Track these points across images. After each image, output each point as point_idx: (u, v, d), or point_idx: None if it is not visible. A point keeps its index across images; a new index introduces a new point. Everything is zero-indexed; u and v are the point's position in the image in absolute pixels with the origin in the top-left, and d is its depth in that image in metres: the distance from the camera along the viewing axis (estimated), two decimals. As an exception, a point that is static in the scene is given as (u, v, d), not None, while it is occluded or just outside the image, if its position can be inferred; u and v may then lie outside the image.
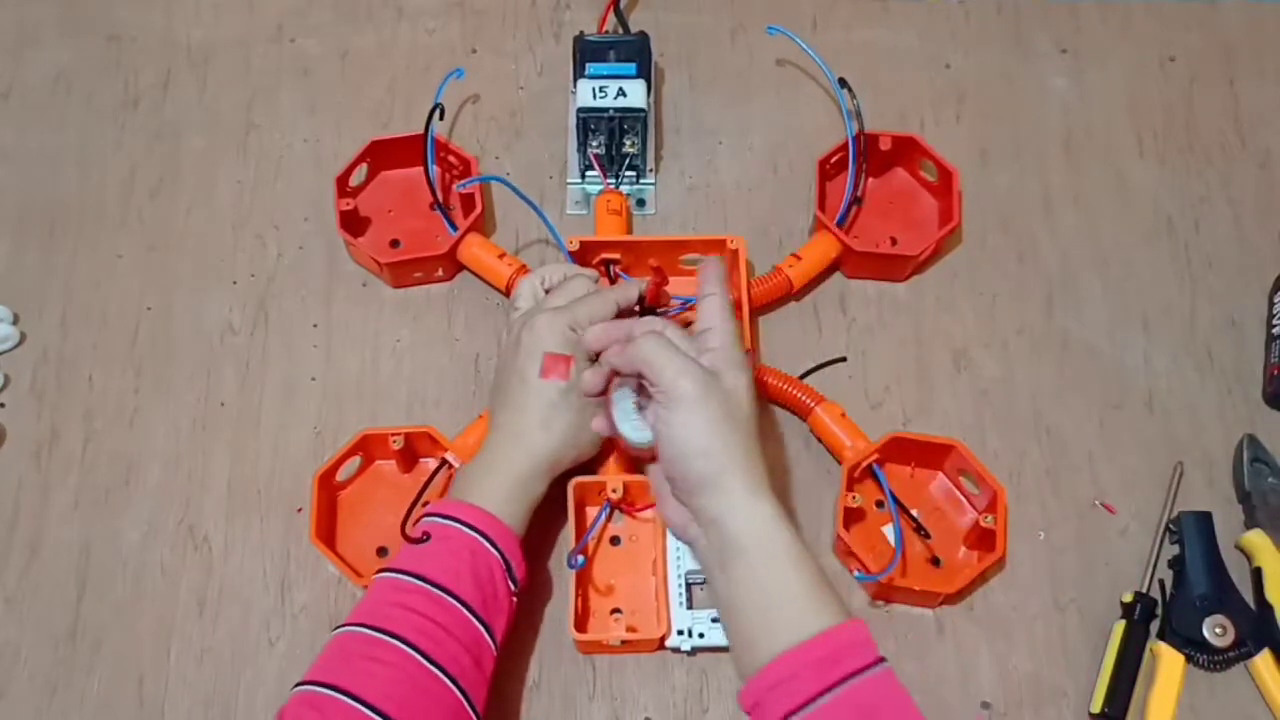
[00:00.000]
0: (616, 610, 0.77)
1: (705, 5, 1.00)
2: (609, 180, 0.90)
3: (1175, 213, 0.92)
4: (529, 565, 0.73)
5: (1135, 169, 0.94)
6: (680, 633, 0.75)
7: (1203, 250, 0.91)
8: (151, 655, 0.77)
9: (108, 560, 0.80)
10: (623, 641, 0.75)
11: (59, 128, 0.95)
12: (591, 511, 0.79)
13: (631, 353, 0.68)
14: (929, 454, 0.81)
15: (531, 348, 0.74)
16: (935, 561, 0.79)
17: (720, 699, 0.76)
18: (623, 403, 0.71)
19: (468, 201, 0.88)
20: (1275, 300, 0.87)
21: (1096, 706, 0.75)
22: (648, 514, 0.79)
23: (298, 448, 0.83)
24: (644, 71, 0.88)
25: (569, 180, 0.92)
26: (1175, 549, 0.79)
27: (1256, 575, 0.78)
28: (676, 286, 0.84)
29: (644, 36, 0.90)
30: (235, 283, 0.89)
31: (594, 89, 0.87)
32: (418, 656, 0.65)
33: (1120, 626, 0.77)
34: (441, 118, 0.89)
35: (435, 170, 0.88)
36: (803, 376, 0.84)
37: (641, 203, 0.92)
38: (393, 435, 0.79)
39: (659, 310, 0.80)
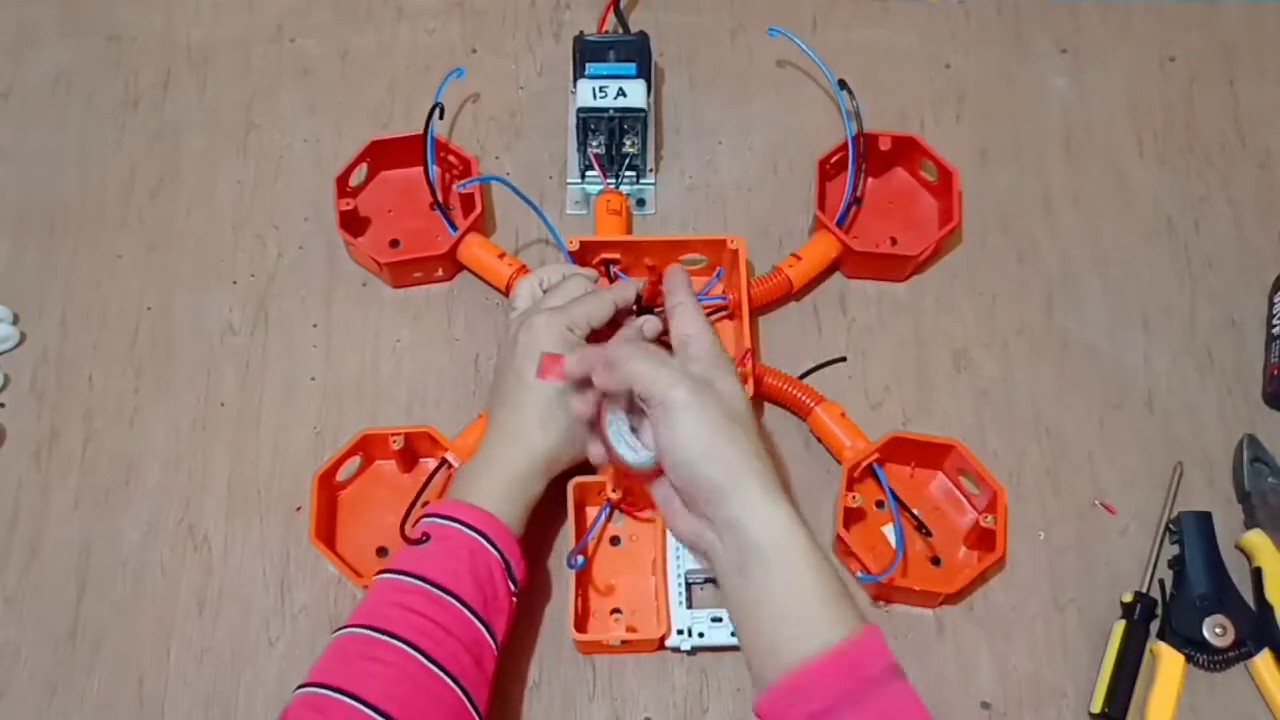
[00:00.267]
0: (616, 610, 0.77)
1: (705, 5, 1.00)
2: (609, 180, 0.90)
3: (1175, 213, 0.92)
4: (529, 565, 0.73)
5: (1135, 169, 0.94)
6: (680, 632, 0.75)
7: (1203, 250, 0.91)
8: (151, 655, 0.77)
9: (108, 560, 0.80)
10: (623, 641, 0.75)
11: (59, 128, 0.95)
12: (591, 511, 0.79)
13: (618, 371, 0.66)
14: (929, 454, 0.81)
15: (529, 347, 0.74)
16: (935, 561, 0.79)
17: (720, 699, 0.76)
18: (616, 425, 0.69)
19: (468, 201, 0.88)
20: (1275, 300, 0.87)
21: (1096, 706, 0.74)
22: (648, 514, 0.79)
23: (298, 448, 0.83)
24: (644, 71, 0.88)
25: (569, 180, 0.92)
26: (1175, 549, 0.79)
27: (1256, 575, 0.78)
28: (676, 286, 0.84)
29: (644, 36, 0.90)
30: (235, 283, 0.89)
31: (594, 89, 0.87)
32: (419, 657, 0.65)
33: (1120, 626, 0.77)
34: (441, 117, 0.89)
35: (435, 170, 0.88)
36: (803, 376, 0.84)
37: (641, 203, 0.92)
38: (393, 435, 0.79)
39: (656, 310, 0.80)
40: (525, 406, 0.73)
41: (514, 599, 0.71)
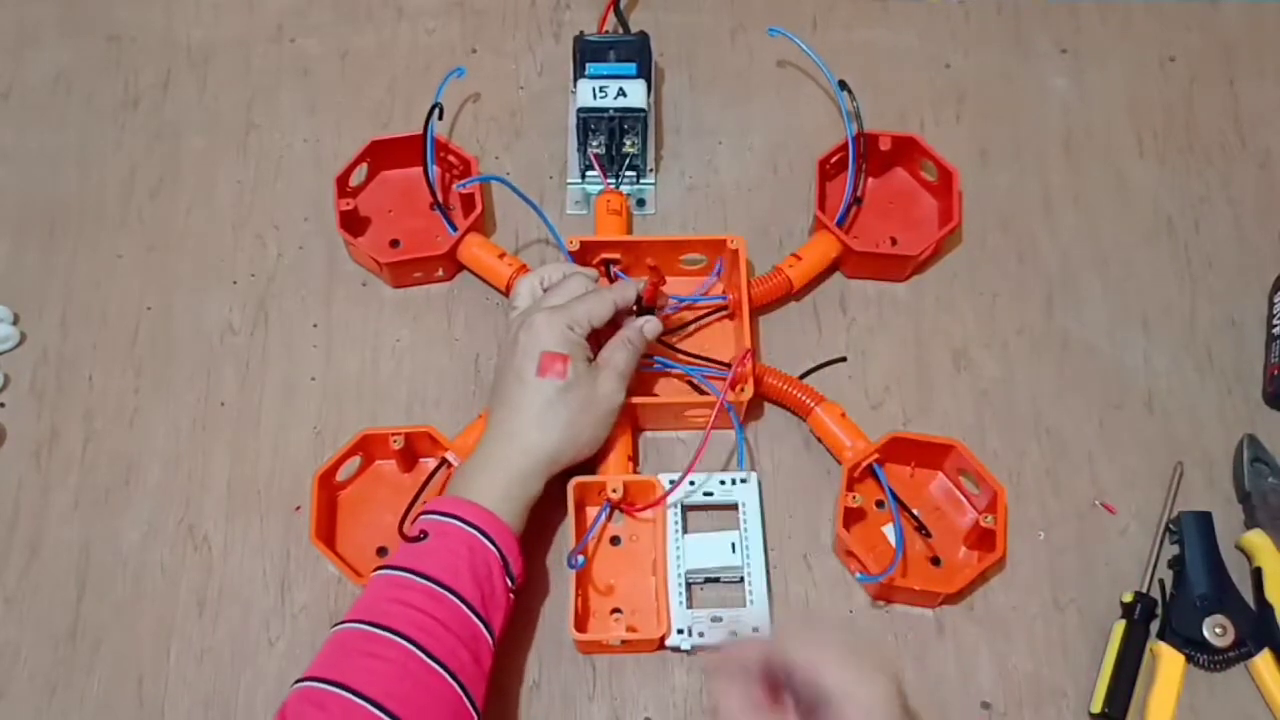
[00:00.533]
0: (616, 610, 0.77)
1: (705, 5, 1.00)
2: (609, 180, 0.90)
3: (1175, 213, 0.92)
4: (527, 564, 0.73)
5: (1135, 169, 0.94)
6: (680, 632, 0.75)
7: (1203, 250, 0.91)
8: (151, 655, 0.77)
9: (108, 560, 0.80)
10: (623, 641, 0.75)
11: (59, 128, 0.95)
12: (591, 511, 0.79)
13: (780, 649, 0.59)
14: (929, 454, 0.81)
15: (529, 346, 0.74)
16: (935, 561, 0.79)
17: (720, 699, 0.76)
18: None
19: (468, 201, 0.88)
20: (1275, 300, 0.87)
21: (1096, 706, 0.74)
22: (648, 514, 0.79)
23: (298, 448, 0.83)
24: (644, 71, 0.88)
25: (569, 180, 0.92)
26: (1175, 549, 0.79)
27: (1256, 575, 0.78)
28: (675, 286, 0.84)
29: (644, 36, 0.90)
30: (235, 283, 0.89)
31: (594, 89, 0.87)
32: (417, 652, 0.65)
33: (1120, 626, 0.77)
34: (441, 117, 0.89)
35: (435, 170, 0.88)
36: (803, 376, 0.84)
37: (641, 203, 0.92)
38: (393, 435, 0.79)
39: (656, 310, 0.80)
40: (524, 405, 0.73)
41: (512, 596, 0.71)
